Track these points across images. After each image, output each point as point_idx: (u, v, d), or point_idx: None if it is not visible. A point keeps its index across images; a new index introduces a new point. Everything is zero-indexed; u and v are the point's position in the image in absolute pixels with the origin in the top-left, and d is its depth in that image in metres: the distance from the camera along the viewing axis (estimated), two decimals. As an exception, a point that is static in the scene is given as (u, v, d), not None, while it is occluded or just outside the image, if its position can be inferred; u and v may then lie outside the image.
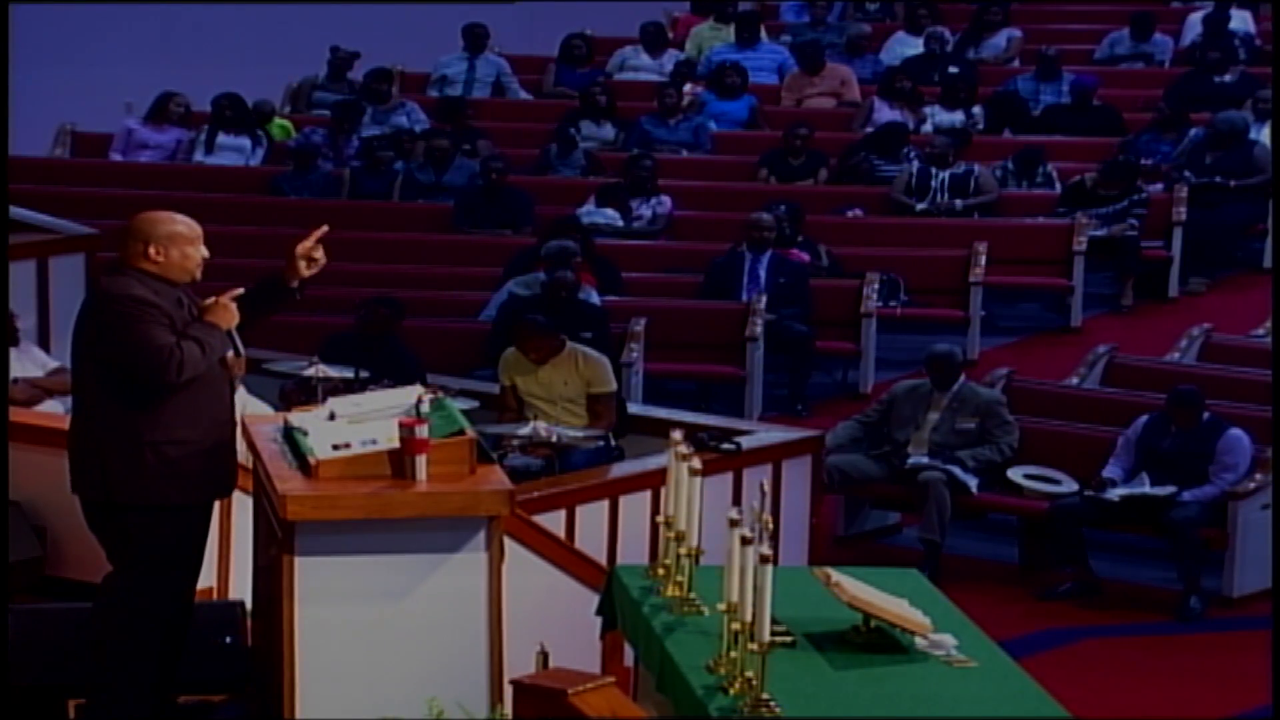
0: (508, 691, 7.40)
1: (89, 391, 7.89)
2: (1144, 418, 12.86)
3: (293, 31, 20.83)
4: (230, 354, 7.95)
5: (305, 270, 8.07)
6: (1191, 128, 18.50)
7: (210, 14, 20.74)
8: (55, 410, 10.73)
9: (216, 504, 8.26)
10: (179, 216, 7.96)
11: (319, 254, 8.09)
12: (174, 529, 7.82)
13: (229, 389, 8.00)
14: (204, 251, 7.94)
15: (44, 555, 9.72)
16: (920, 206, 17.53)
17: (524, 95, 21.09)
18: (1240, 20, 21.39)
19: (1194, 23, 21.59)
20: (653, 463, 10.57)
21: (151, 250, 7.81)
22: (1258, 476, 12.48)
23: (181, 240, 7.86)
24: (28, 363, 11.01)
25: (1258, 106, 18.61)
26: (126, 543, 7.82)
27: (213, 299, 7.93)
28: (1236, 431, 12.59)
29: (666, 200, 17.31)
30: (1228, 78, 19.85)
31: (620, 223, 17.03)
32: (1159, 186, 17.68)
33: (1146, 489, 12.45)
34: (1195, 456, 12.54)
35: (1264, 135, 18.20)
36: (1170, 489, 12.40)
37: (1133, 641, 11.99)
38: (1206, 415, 12.69)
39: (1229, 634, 12.13)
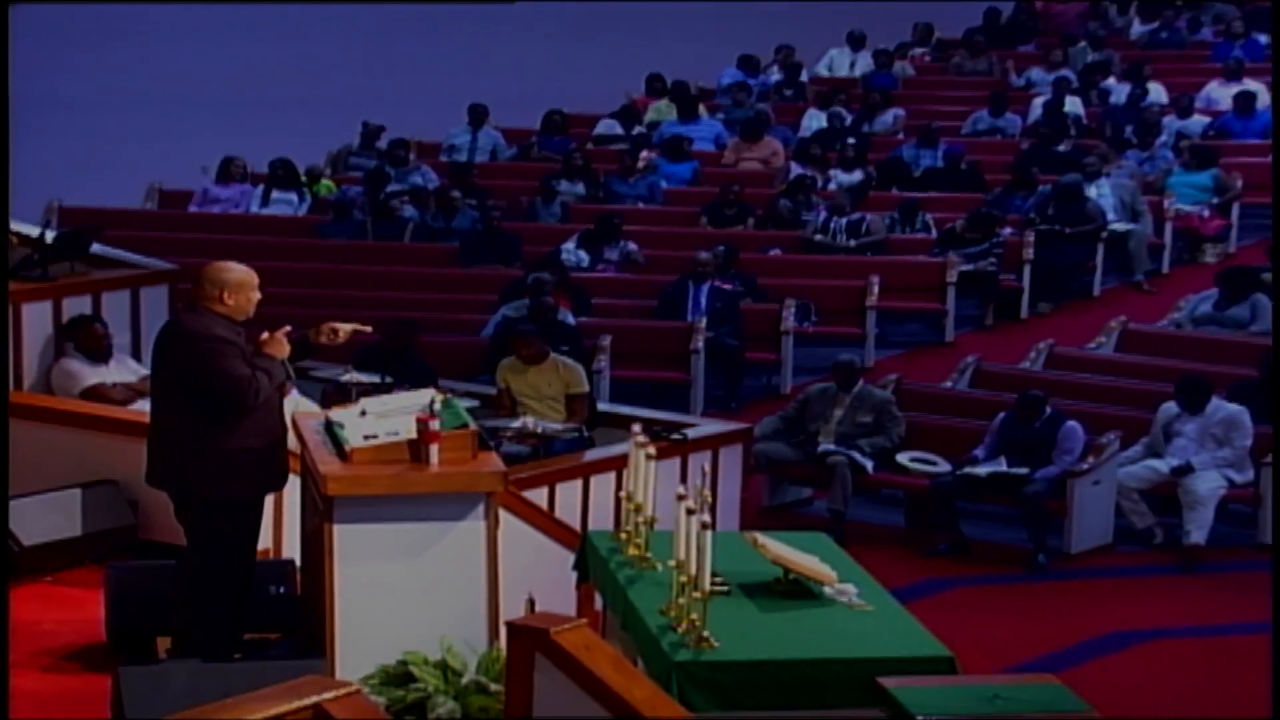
0: (503, 631, 7.34)
1: (176, 407, 7.81)
2: (1003, 414, 12.87)
3: (332, 109, 20.79)
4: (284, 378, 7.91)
5: (324, 340, 8.05)
6: (1039, 186, 18.52)
7: (268, 95, 20.68)
8: (146, 409, 10.66)
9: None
10: (242, 266, 7.89)
11: (341, 338, 8.06)
12: (239, 515, 7.82)
13: (281, 404, 7.95)
14: (259, 295, 7.89)
15: (136, 523, 9.68)
16: (819, 238, 17.50)
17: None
18: (1072, 104, 21.51)
19: (1037, 105, 21.69)
20: (617, 449, 10.51)
21: (225, 295, 7.75)
22: (1090, 459, 12.49)
23: (248, 288, 7.82)
24: (124, 370, 10.94)
25: (1087, 170, 18.61)
26: (202, 525, 7.80)
27: (268, 335, 7.88)
28: (1073, 424, 12.61)
29: (631, 245, 17.25)
30: (1063, 148, 19.91)
31: (587, 263, 16.96)
32: (1011, 231, 17.67)
33: (1005, 469, 12.47)
34: (1042, 444, 12.55)
35: (1092, 192, 18.22)
36: (1024, 470, 12.42)
37: (994, 589, 12.00)
38: (1049, 411, 12.70)
39: (1068, 582, 12.18)
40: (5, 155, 11.04)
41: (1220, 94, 21.73)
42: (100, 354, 10.87)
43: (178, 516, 7.97)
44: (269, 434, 7.80)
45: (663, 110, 21.91)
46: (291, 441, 8.08)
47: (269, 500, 8.28)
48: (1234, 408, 12.82)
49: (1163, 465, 12.70)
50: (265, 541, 9.03)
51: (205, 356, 7.63)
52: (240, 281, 7.80)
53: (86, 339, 10.89)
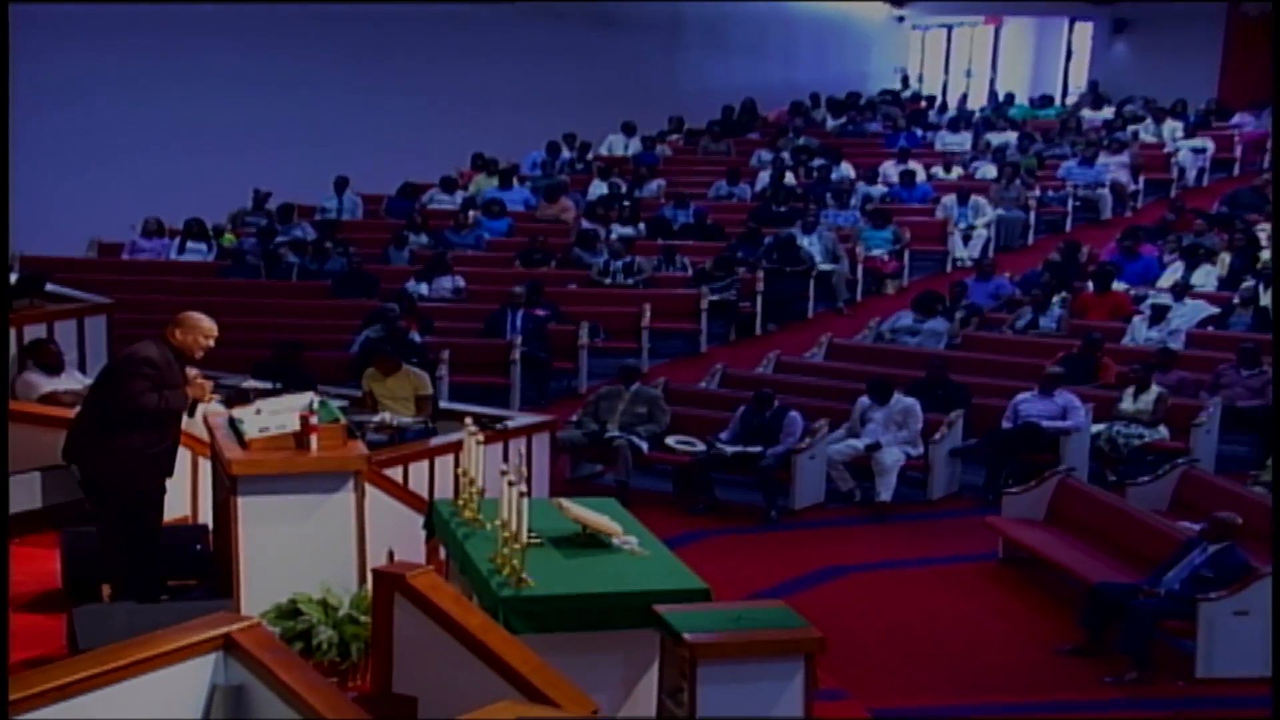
0: (369, 576, 7.28)
1: (108, 412, 7.51)
2: (743, 406, 12.98)
3: (231, 179, 20.44)
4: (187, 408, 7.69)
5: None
6: (764, 237, 18.74)
7: (185, 168, 20.20)
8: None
9: (190, 463, 8.07)
10: (208, 320, 7.58)
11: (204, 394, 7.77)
12: (148, 497, 7.63)
13: (180, 417, 7.72)
14: (210, 344, 7.58)
15: (85, 498, 9.44)
16: (606, 281, 17.54)
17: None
18: (788, 177, 21.81)
19: (763, 178, 21.95)
20: (455, 437, 10.42)
21: (178, 332, 7.53)
22: (807, 440, 12.61)
23: (199, 333, 7.56)
24: (72, 381, 10.72)
25: (804, 222, 18.89)
26: (117, 501, 7.56)
27: (197, 378, 7.65)
28: (794, 413, 12.75)
29: (460, 279, 17.18)
30: (783, 209, 20.17)
31: (426, 292, 16.83)
32: (745, 271, 17.84)
33: (746, 448, 12.56)
34: (772, 429, 12.68)
35: (804, 242, 18.47)
36: (758, 448, 12.53)
37: (738, 538, 12.08)
38: (777, 404, 12.84)
39: (793, 531, 12.28)
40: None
41: (891, 171, 22.31)
42: (54, 368, 10.70)
43: (85, 490, 7.69)
44: (169, 438, 7.60)
45: (480, 182, 21.86)
46: (204, 434, 7.94)
47: (189, 478, 8.12)
48: (910, 400, 13.07)
49: (859, 444, 12.89)
50: (185, 510, 8.91)
51: (121, 374, 7.41)
52: (194, 325, 7.53)
53: (44, 356, 10.74)
